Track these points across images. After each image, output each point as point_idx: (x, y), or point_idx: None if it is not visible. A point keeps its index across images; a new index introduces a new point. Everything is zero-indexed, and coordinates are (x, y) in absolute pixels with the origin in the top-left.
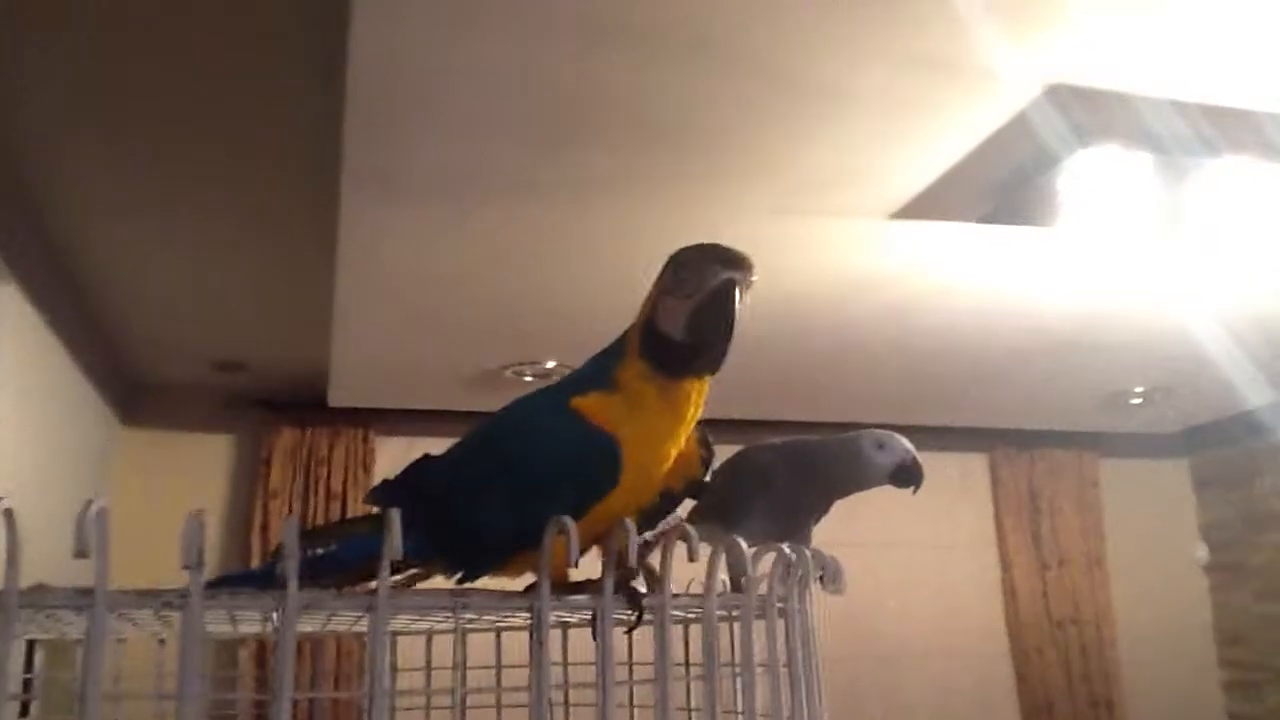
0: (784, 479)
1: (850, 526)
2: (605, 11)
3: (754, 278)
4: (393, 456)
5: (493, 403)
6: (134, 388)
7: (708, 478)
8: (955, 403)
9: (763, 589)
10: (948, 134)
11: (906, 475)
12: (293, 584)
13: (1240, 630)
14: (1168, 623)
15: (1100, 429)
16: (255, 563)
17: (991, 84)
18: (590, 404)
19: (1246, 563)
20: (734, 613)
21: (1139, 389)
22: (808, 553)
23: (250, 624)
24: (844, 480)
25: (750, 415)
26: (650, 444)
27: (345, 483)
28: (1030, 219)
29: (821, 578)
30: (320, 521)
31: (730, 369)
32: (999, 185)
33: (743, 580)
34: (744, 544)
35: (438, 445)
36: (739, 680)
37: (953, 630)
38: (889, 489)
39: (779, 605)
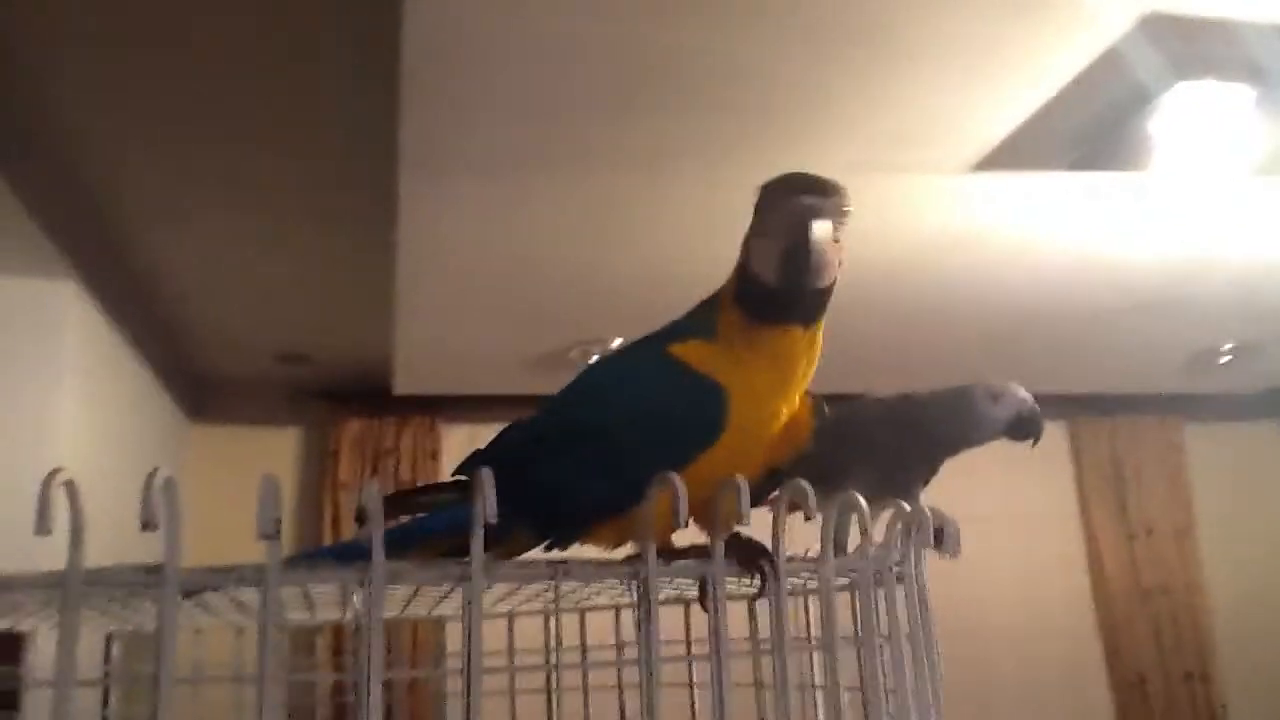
0: (888, 437)
1: (926, 499)
2: None
3: (847, 205)
4: (459, 444)
5: (559, 385)
6: (200, 384)
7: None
8: (1035, 368)
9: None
10: (1034, 75)
11: (1025, 427)
12: (378, 551)
13: None
14: (1262, 590)
15: (1184, 391)
16: None
17: (1082, 17)
18: (690, 351)
19: None
20: (844, 580)
21: (1228, 346)
22: (928, 512)
23: (328, 609)
24: (955, 437)
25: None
26: (754, 399)
27: (414, 472)
28: (1122, 163)
29: (939, 540)
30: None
31: None
32: (1088, 128)
33: (859, 544)
34: (863, 502)
35: None
36: (856, 653)
37: (1037, 603)
38: (975, 456)
39: (896, 570)
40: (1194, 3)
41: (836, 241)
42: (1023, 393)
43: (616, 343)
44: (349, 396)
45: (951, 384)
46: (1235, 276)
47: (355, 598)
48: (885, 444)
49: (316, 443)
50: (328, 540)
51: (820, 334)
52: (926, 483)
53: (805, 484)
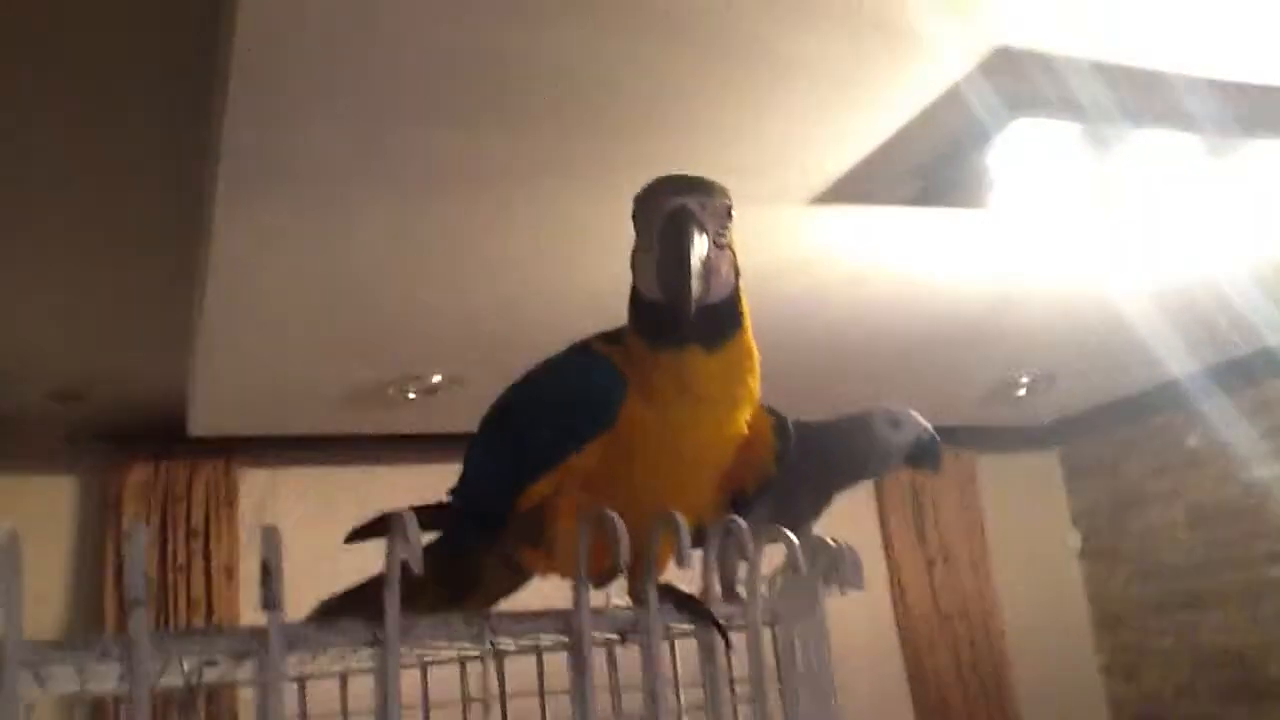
0: (804, 465)
1: None
2: None
3: (726, 205)
4: (258, 488)
5: (369, 424)
6: None
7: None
8: (842, 400)
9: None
10: (880, 109)
11: (924, 454)
12: (276, 616)
13: (1115, 613)
14: (1049, 611)
15: (979, 423)
16: (110, 618)
17: (927, 53)
18: (611, 350)
19: (1118, 548)
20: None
21: (1024, 379)
22: (839, 546)
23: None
24: (853, 465)
25: None
26: (667, 428)
27: (207, 519)
28: (961, 198)
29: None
30: (181, 562)
31: None
32: (930, 163)
33: (780, 579)
34: (793, 537)
35: (307, 474)
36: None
37: (842, 630)
38: None
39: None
40: (1035, 41)
41: (722, 247)
42: (921, 419)
43: (436, 378)
44: (133, 438)
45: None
46: (1048, 307)
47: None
48: (796, 474)
49: (96, 490)
50: (110, 595)
51: (743, 354)
52: (818, 515)
53: (743, 523)
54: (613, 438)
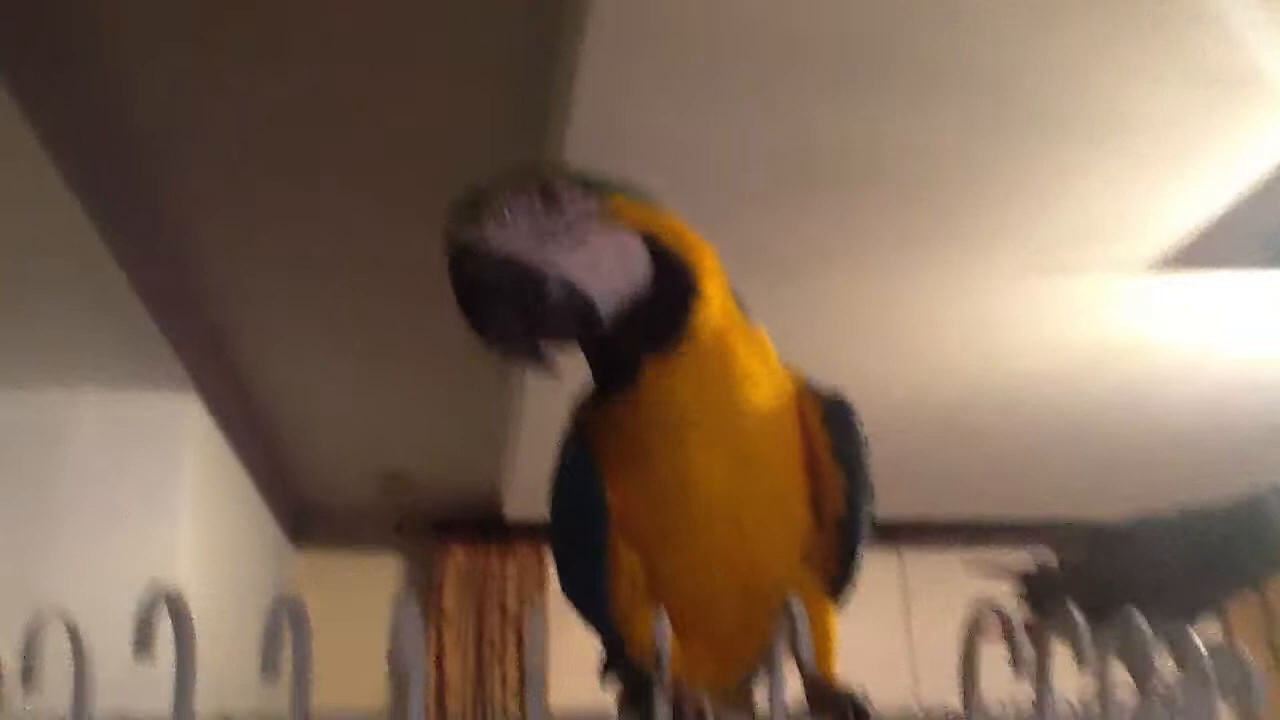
0: (1175, 562)
1: None
2: (841, 50)
3: (531, 181)
4: None
5: None
6: (303, 508)
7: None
8: (1190, 490)
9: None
10: (1235, 164)
11: None
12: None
13: None
14: None
15: None
16: (431, 693)
17: None
18: (584, 419)
19: None
20: None
21: None
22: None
23: None
24: (1248, 558)
25: (956, 515)
26: (681, 480)
27: (520, 602)
28: None
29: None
30: (497, 645)
31: (937, 462)
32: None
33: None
34: (1201, 645)
35: None
36: None
37: None
38: None
39: None
40: None
41: (574, 245)
42: None
43: None
44: (454, 524)
45: (1099, 511)
46: None
47: None
48: (1170, 571)
49: (420, 571)
50: (431, 675)
51: (724, 330)
52: (1198, 620)
53: (1078, 615)
54: (624, 526)
